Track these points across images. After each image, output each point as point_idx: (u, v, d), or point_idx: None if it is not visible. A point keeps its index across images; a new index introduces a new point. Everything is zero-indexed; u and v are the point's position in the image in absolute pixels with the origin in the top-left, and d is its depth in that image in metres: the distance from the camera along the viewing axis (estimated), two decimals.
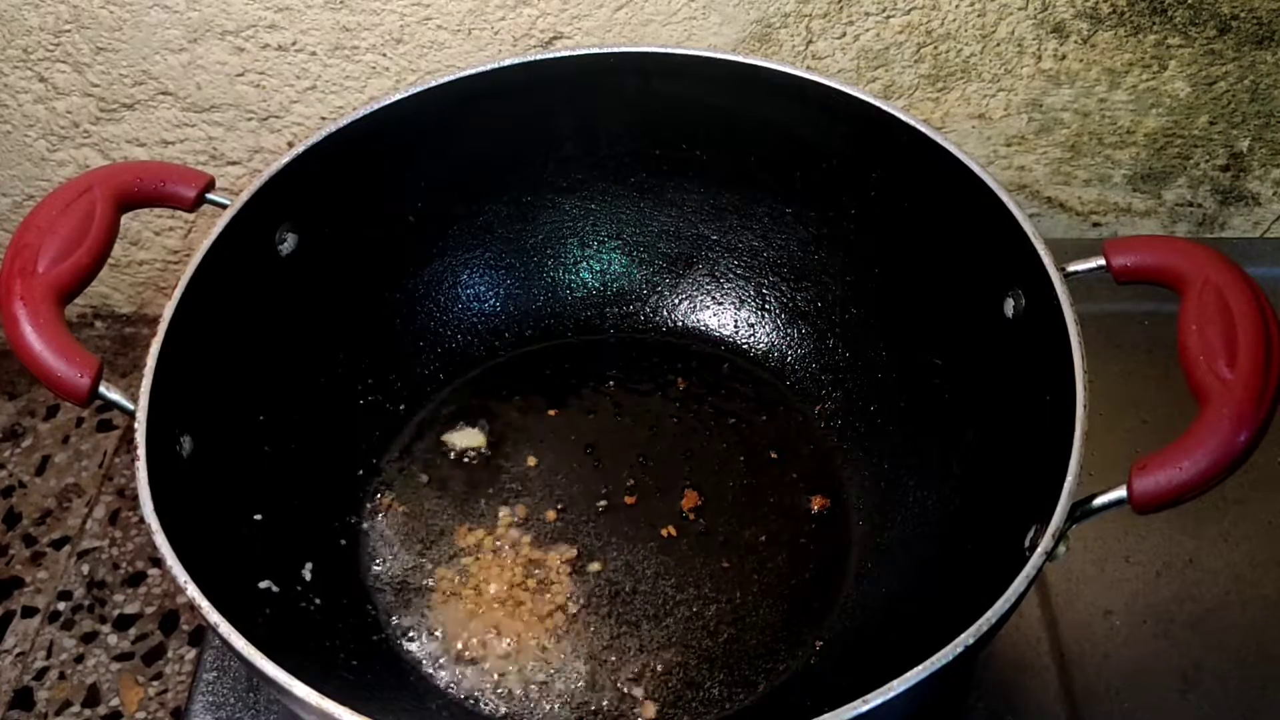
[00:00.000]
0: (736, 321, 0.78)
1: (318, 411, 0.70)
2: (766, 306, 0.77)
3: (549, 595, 0.66)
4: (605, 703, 0.62)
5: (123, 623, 1.02)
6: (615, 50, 0.68)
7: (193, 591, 0.49)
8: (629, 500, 0.70)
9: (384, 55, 0.85)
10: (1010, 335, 0.60)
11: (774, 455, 0.72)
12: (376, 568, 0.68)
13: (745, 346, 0.77)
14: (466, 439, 0.73)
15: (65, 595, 1.04)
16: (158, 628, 1.01)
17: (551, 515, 0.70)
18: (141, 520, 0.52)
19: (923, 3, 0.79)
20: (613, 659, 0.64)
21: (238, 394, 0.64)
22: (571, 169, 0.75)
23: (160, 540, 0.50)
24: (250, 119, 0.91)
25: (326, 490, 0.69)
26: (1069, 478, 0.49)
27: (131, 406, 0.54)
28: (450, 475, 0.72)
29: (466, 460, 0.72)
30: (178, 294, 0.58)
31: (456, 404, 0.75)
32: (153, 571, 1.05)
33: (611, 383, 0.76)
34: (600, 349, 0.78)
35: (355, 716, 0.45)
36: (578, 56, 0.68)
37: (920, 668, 0.45)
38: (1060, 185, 0.91)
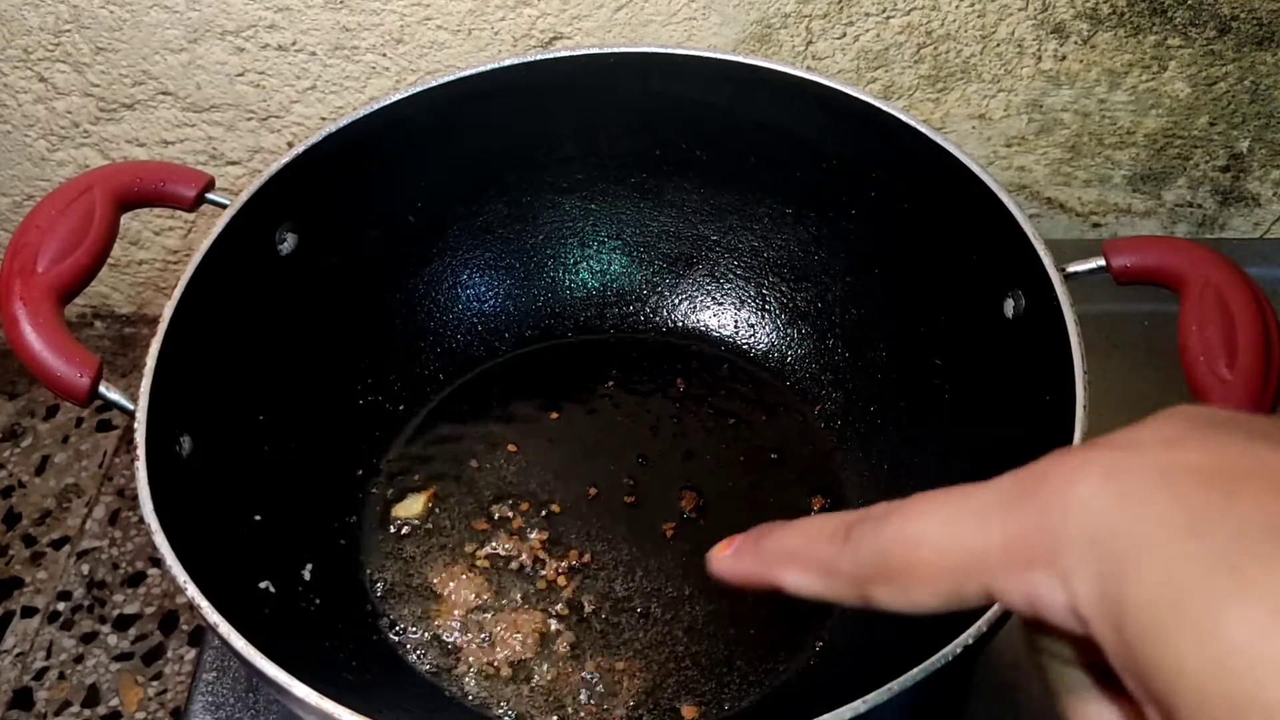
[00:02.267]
0: (736, 321, 0.78)
1: (318, 411, 0.70)
2: (766, 306, 0.77)
3: (547, 595, 0.66)
4: (605, 703, 0.62)
5: (122, 623, 1.02)
6: (615, 50, 0.68)
7: (192, 591, 0.49)
8: (628, 500, 0.70)
9: (384, 55, 0.85)
10: (1010, 335, 0.60)
11: (774, 455, 0.72)
12: (376, 568, 0.68)
13: (745, 346, 0.77)
14: (406, 509, 0.70)
15: (65, 595, 1.04)
16: (157, 628, 1.01)
17: (550, 516, 0.70)
18: (141, 520, 0.52)
19: (923, 3, 0.79)
20: (611, 659, 0.64)
21: (238, 394, 0.64)
22: (571, 169, 0.75)
23: (160, 540, 0.50)
24: (250, 119, 0.91)
25: (326, 490, 0.69)
26: None
27: (131, 406, 0.54)
28: (450, 476, 0.72)
29: (464, 464, 0.72)
30: (177, 294, 0.58)
31: (456, 404, 0.75)
32: (152, 571, 1.05)
33: (611, 383, 0.76)
34: (600, 349, 0.78)
35: (355, 717, 0.45)
36: (578, 56, 0.68)
37: (920, 668, 0.45)
38: (1060, 186, 0.91)
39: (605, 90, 0.70)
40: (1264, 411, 0.48)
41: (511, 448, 0.73)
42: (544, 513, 0.70)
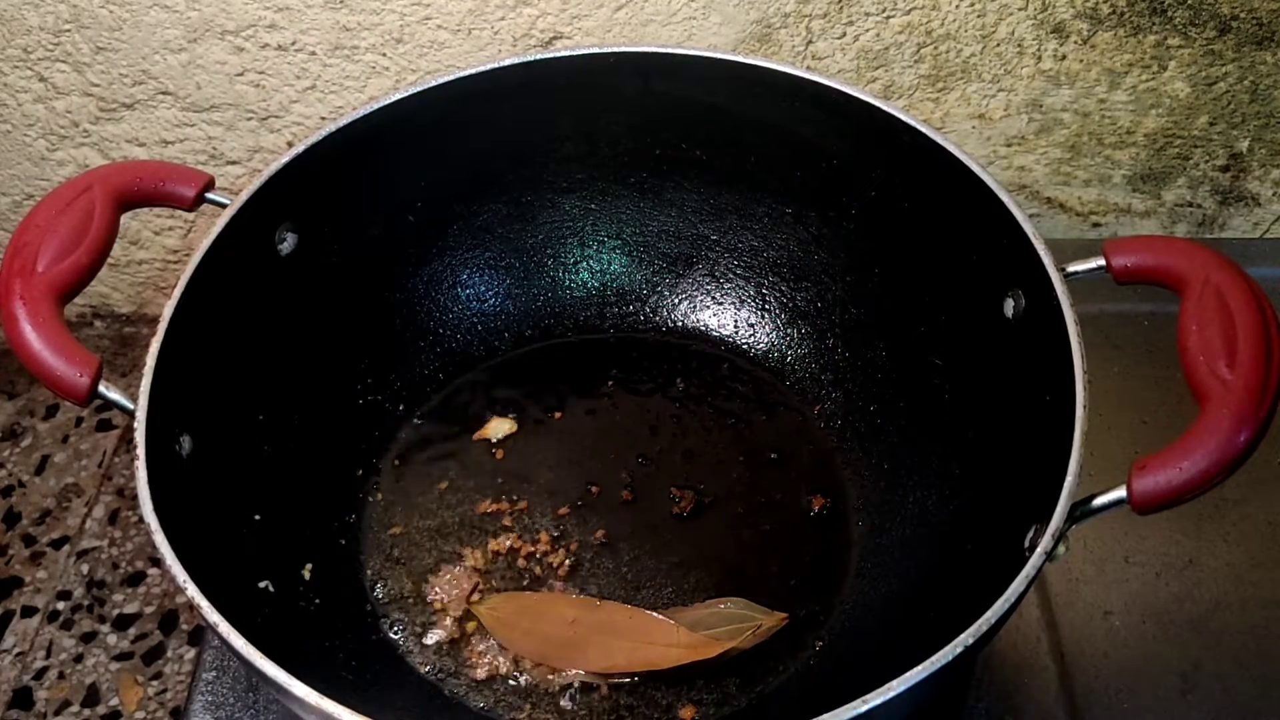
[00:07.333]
0: (736, 321, 0.78)
1: (317, 412, 0.70)
2: (766, 306, 0.77)
3: None
4: (603, 702, 0.62)
5: (122, 622, 1.02)
6: (615, 50, 0.68)
7: (192, 591, 0.49)
8: (627, 499, 0.70)
9: (384, 55, 0.85)
10: (1010, 335, 0.60)
11: (774, 455, 0.72)
12: (376, 568, 0.68)
13: (745, 346, 0.77)
14: (500, 429, 0.73)
15: (65, 595, 1.03)
16: (157, 627, 1.01)
17: (550, 516, 0.70)
18: (141, 520, 0.52)
19: (923, 3, 0.79)
20: None
21: (238, 394, 0.64)
22: (571, 169, 0.75)
23: (160, 540, 0.50)
24: (250, 119, 0.91)
25: (326, 490, 0.69)
26: (1069, 478, 0.49)
27: (131, 406, 0.54)
28: (449, 475, 0.72)
29: (470, 459, 0.72)
30: (177, 294, 0.58)
31: (456, 404, 0.75)
32: (152, 571, 1.05)
33: (611, 383, 0.76)
34: (600, 349, 0.78)
35: (355, 716, 0.45)
36: (578, 56, 0.68)
37: (920, 668, 0.45)
38: (1060, 185, 0.91)
39: (605, 90, 0.70)
40: (1263, 412, 0.48)
41: (511, 448, 0.73)
42: (543, 512, 0.70)
